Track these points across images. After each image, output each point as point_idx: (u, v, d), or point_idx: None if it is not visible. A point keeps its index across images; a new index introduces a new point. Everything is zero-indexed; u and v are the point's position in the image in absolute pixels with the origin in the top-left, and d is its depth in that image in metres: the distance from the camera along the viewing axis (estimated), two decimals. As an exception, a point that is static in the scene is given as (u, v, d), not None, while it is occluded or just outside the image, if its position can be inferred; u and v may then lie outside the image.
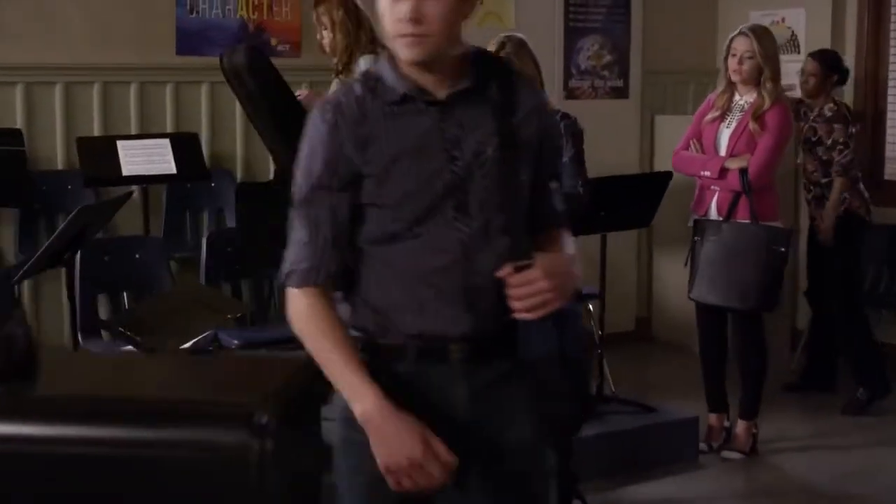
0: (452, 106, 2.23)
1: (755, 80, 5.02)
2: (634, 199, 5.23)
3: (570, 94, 6.93)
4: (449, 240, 2.22)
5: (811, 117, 5.93)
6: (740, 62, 5.00)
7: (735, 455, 5.24)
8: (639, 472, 4.99)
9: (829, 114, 5.86)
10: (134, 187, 5.34)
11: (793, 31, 7.04)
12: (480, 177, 2.23)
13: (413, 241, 2.22)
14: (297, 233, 2.25)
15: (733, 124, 5.10)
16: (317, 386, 1.54)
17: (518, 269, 2.16)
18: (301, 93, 5.13)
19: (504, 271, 2.16)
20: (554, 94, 6.85)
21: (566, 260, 2.31)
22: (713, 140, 5.13)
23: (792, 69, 7.01)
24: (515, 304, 2.16)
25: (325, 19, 5.05)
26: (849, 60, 6.83)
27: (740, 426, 5.28)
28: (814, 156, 5.91)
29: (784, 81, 6.98)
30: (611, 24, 7.04)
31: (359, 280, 2.26)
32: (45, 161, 5.69)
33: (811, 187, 6.00)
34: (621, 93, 7.12)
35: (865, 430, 5.64)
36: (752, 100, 5.05)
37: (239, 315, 4.16)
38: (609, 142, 6.93)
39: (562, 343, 2.41)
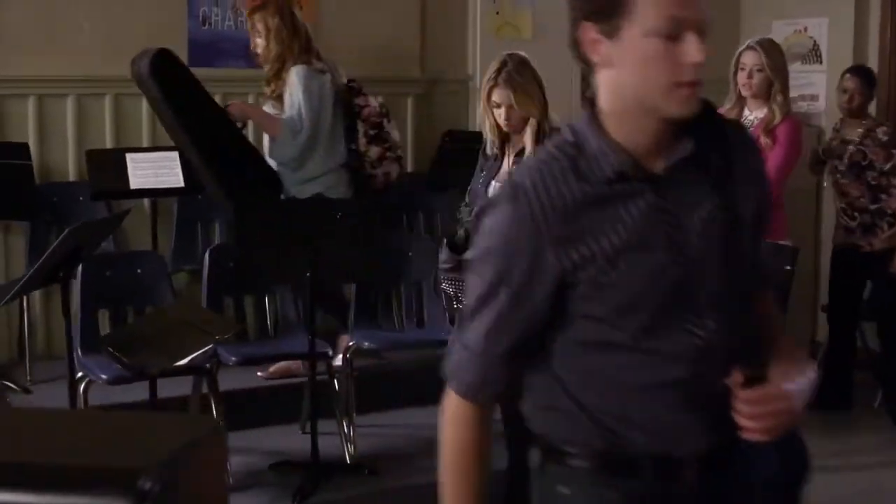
0: (669, 180, 1.83)
1: (766, 94, 4.95)
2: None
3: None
4: (683, 346, 1.84)
5: (857, 140, 5.69)
6: (749, 76, 4.93)
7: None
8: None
9: (884, 138, 5.63)
10: (144, 202, 5.35)
11: (815, 41, 6.93)
12: (709, 265, 1.84)
13: (640, 354, 1.84)
14: (470, 332, 1.90)
15: (742, 140, 5.02)
16: (215, 446, 1.52)
17: (749, 380, 1.82)
18: (233, 103, 5.13)
19: (734, 380, 1.82)
20: (570, 104, 6.81)
21: (804, 373, 1.91)
22: (720, 157, 5.05)
23: (815, 79, 6.93)
24: (745, 423, 1.82)
25: (260, 26, 5.05)
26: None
27: (747, 445, 5.20)
28: (861, 181, 5.69)
29: (807, 91, 6.96)
30: (630, 33, 6.95)
31: (563, 385, 1.92)
32: (56, 173, 5.73)
33: (855, 214, 5.76)
34: (640, 103, 7.04)
35: (873, 451, 5.57)
36: (762, 115, 4.98)
37: (228, 335, 4.14)
38: (628, 152, 6.87)
39: (782, 466, 2.10)
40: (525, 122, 4.19)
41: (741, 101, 5.04)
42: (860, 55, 6.74)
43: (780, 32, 7.11)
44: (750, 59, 4.94)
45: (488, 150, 4.28)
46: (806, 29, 6.98)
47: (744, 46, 5.01)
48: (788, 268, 4.93)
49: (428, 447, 5.22)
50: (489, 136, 4.25)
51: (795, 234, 6.81)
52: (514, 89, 4.14)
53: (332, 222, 4.45)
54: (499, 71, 4.17)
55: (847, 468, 5.32)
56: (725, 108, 5.09)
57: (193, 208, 5.85)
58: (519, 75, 4.15)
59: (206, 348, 3.90)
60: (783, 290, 4.97)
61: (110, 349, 3.73)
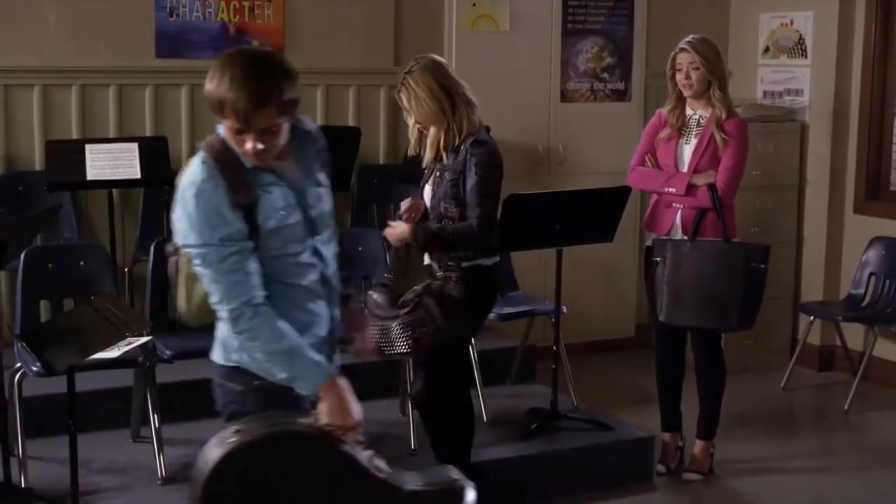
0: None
1: (706, 92, 4.88)
2: (593, 213, 5.10)
3: (566, 97, 6.80)
4: None
5: None
6: (687, 76, 4.86)
7: (695, 476, 5.12)
8: (590, 493, 4.90)
9: None
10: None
11: (801, 35, 6.81)
12: None
13: None
14: None
15: (693, 140, 4.95)
16: None
17: None
18: None
19: None
20: (549, 94, 6.76)
21: None
22: (673, 157, 4.97)
23: (800, 74, 6.82)
24: None
25: None
26: (856, 65, 6.62)
27: (698, 446, 5.15)
28: None
29: (792, 86, 6.86)
30: (612, 25, 6.88)
31: None
32: (22, 162, 5.77)
33: None
34: (622, 95, 6.98)
35: (822, 456, 5.54)
36: (707, 113, 4.91)
37: (140, 332, 4.16)
38: (608, 145, 6.81)
39: None
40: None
41: (681, 102, 4.97)
42: (845, 49, 6.63)
43: (767, 25, 7.02)
44: (685, 59, 4.88)
45: (410, 151, 4.29)
46: (792, 22, 6.87)
47: (676, 49, 4.93)
48: (763, 266, 4.84)
49: (366, 443, 5.23)
50: (412, 139, 4.24)
51: (778, 232, 6.75)
52: (407, 96, 4.13)
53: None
54: (405, 75, 4.15)
55: (789, 472, 5.27)
56: (667, 108, 5.01)
57: (159, 199, 5.85)
58: (415, 84, 4.12)
59: (115, 345, 3.92)
60: (757, 292, 4.88)
61: (22, 344, 3.76)
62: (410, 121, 4.21)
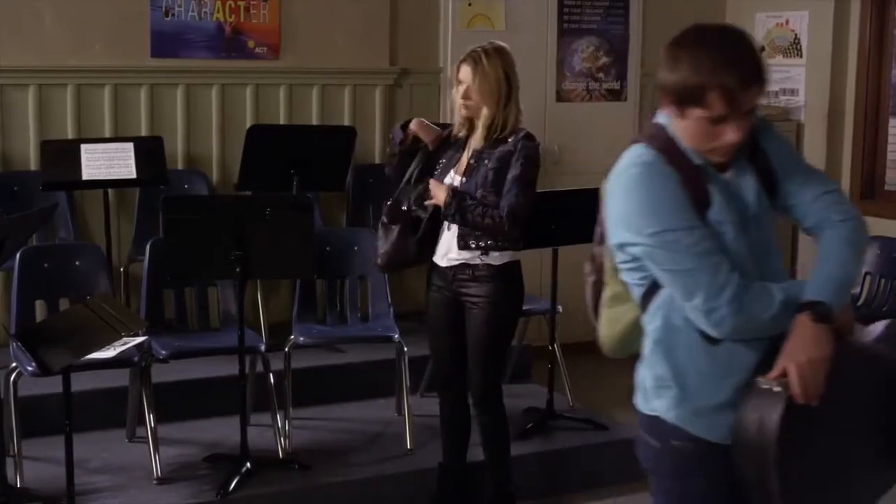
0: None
1: None
2: (588, 213, 5.09)
3: (561, 96, 6.81)
4: None
5: None
6: None
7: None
8: (585, 493, 4.92)
9: None
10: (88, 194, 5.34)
11: (796, 34, 6.82)
12: None
13: None
14: None
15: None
16: None
17: None
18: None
19: None
20: (544, 94, 6.76)
21: None
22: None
23: (795, 73, 6.83)
24: None
25: None
26: (851, 65, 6.62)
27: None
28: None
29: (787, 85, 6.86)
30: (608, 25, 6.89)
31: None
32: (17, 162, 5.76)
33: None
34: (618, 95, 6.98)
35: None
36: None
37: (135, 332, 4.16)
38: (604, 145, 6.80)
39: None
40: (480, 109, 4.15)
41: None
42: (839, 49, 6.63)
43: (763, 25, 7.03)
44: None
45: (455, 131, 4.26)
46: (787, 22, 6.87)
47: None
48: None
49: (363, 443, 5.24)
50: (457, 117, 4.23)
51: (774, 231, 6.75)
52: (474, 69, 4.10)
53: (262, 218, 4.44)
54: (472, 51, 4.15)
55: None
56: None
57: (154, 199, 5.84)
58: (486, 58, 4.11)
59: (110, 344, 3.92)
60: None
61: (18, 343, 3.75)
62: (458, 96, 4.16)
